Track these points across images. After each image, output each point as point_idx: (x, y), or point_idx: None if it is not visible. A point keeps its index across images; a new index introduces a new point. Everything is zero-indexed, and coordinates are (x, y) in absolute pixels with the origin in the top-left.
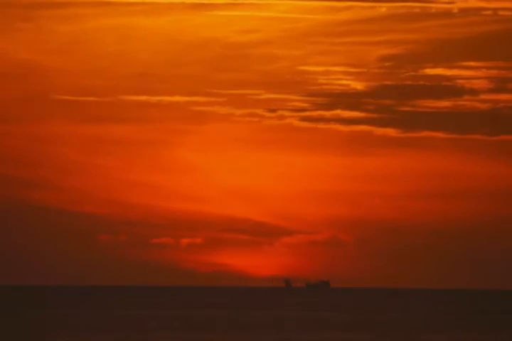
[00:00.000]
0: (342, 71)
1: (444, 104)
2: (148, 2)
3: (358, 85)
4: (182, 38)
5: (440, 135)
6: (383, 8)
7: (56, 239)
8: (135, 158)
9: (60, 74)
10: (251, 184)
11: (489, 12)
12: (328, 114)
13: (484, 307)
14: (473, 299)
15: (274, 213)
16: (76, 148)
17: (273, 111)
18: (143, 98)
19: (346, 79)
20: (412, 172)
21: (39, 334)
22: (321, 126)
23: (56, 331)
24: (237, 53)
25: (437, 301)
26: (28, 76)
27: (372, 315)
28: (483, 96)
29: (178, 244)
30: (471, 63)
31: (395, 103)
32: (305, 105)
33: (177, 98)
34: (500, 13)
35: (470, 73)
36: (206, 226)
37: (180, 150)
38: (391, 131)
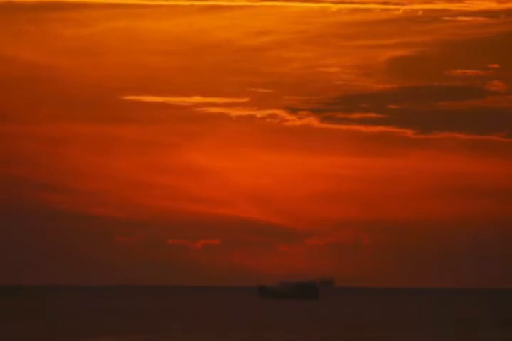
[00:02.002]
0: (360, 72)
1: (464, 105)
2: (158, 5)
3: (377, 86)
4: (193, 40)
5: (460, 136)
6: (400, 11)
7: (73, 241)
8: (150, 159)
9: (68, 76)
10: (267, 185)
11: (505, 14)
12: (347, 115)
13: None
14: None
15: (290, 215)
16: (90, 150)
17: (293, 112)
18: (161, 99)
19: (365, 81)
20: (432, 173)
21: (64, 334)
22: (340, 126)
23: (76, 330)
24: (250, 55)
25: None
26: (37, 78)
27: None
28: (503, 97)
29: (194, 245)
30: (491, 64)
31: (414, 104)
32: (324, 106)
33: (195, 99)
34: None
35: (489, 74)
36: (222, 228)
37: (196, 152)
38: (410, 132)
